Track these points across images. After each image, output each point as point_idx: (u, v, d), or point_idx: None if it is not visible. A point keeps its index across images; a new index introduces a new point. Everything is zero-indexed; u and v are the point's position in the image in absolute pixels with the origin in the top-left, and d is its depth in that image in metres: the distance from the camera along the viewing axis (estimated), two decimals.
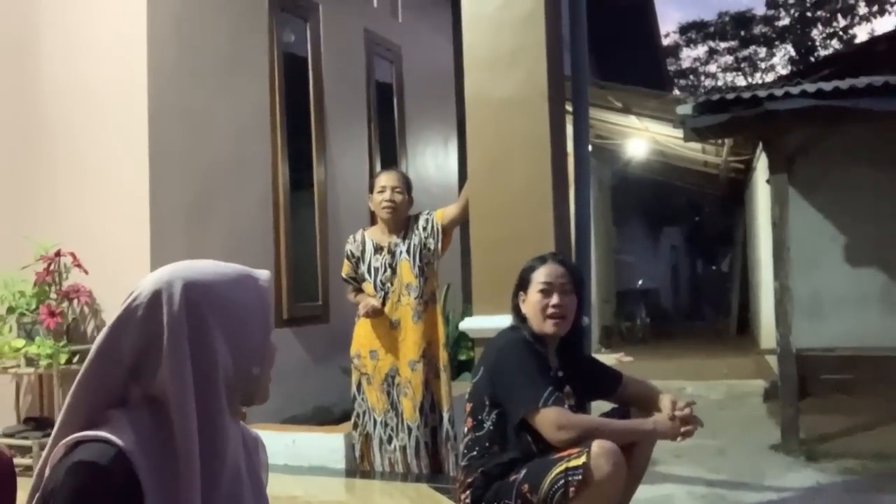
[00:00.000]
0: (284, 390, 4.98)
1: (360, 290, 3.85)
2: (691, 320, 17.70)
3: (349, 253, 3.87)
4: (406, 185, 3.87)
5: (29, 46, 4.66)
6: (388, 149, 6.57)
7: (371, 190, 3.92)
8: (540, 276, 2.63)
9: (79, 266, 4.29)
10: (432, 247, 3.80)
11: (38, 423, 4.22)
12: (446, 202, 4.25)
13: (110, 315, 4.62)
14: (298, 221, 5.38)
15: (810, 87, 5.16)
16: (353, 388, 3.83)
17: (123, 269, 4.31)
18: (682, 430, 2.51)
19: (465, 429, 2.61)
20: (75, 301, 4.31)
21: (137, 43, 4.34)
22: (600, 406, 2.84)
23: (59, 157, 4.56)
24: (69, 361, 4.13)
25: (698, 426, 2.56)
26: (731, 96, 5.29)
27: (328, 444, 3.98)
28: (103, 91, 4.42)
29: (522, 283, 2.67)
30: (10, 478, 1.12)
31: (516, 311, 2.68)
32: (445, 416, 3.76)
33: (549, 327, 2.59)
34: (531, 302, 2.61)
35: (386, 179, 3.85)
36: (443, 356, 3.79)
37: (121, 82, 4.39)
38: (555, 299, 2.59)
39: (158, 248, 4.33)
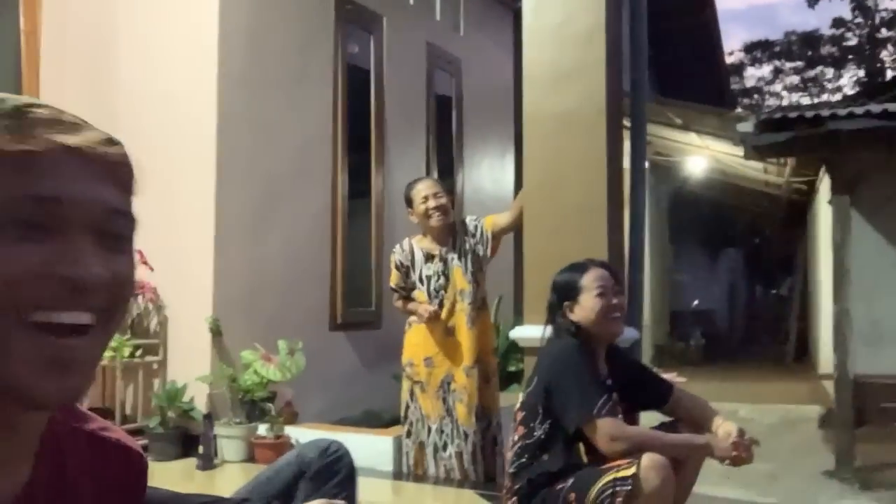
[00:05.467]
0: (334, 393, 5.11)
1: (409, 298, 3.89)
2: (748, 343, 17.32)
3: (398, 263, 3.87)
4: (443, 187, 3.93)
5: (106, 51, 4.85)
6: (446, 160, 6.65)
7: (409, 204, 3.89)
8: (591, 281, 2.63)
9: (145, 263, 4.42)
10: (481, 253, 3.83)
11: (101, 413, 4.37)
12: None
13: (173, 311, 4.73)
14: (355, 229, 5.49)
15: (875, 108, 5.07)
16: (406, 396, 3.84)
17: (187, 268, 4.47)
18: (735, 453, 2.44)
19: (515, 436, 2.61)
20: (140, 297, 4.47)
21: (209, 51, 4.51)
22: (649, 419, 2.84)
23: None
24: (132, 355, 4.30)
25: (751, 460, 2.48)
26: (793, 115, 5.23)
27: (377, 447, 4.04)
28: (175, 97, 4.59)
29: (569, 293, 2.65)
30: (141, 475, 0.93)
31: (560, 324, 2.65)
32: (493, 421, 3.79)
33: (615, 327, 2.63)
34: (588, 307, 2.60)
35: (425, 188, 3.83)
36: (492, 363, 3.83)
37: (192, 89, 4.56)
38: (614, 300, 2.62)
39: (222, 250, 4.48)
